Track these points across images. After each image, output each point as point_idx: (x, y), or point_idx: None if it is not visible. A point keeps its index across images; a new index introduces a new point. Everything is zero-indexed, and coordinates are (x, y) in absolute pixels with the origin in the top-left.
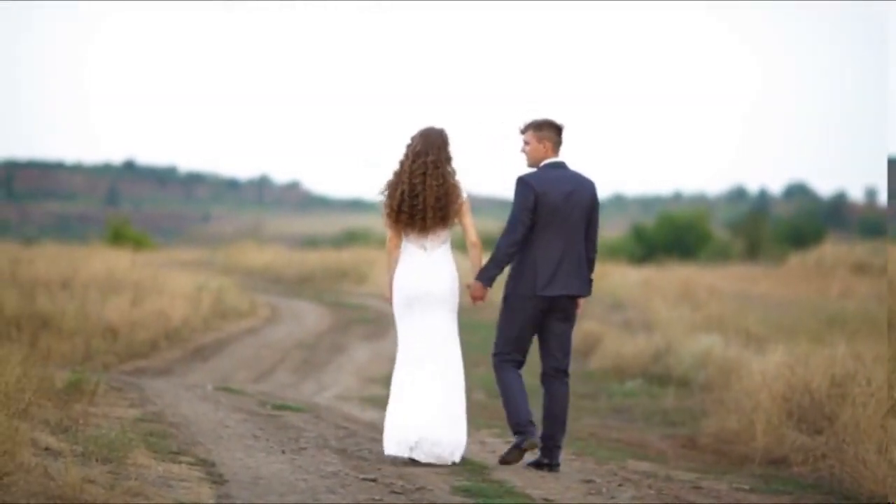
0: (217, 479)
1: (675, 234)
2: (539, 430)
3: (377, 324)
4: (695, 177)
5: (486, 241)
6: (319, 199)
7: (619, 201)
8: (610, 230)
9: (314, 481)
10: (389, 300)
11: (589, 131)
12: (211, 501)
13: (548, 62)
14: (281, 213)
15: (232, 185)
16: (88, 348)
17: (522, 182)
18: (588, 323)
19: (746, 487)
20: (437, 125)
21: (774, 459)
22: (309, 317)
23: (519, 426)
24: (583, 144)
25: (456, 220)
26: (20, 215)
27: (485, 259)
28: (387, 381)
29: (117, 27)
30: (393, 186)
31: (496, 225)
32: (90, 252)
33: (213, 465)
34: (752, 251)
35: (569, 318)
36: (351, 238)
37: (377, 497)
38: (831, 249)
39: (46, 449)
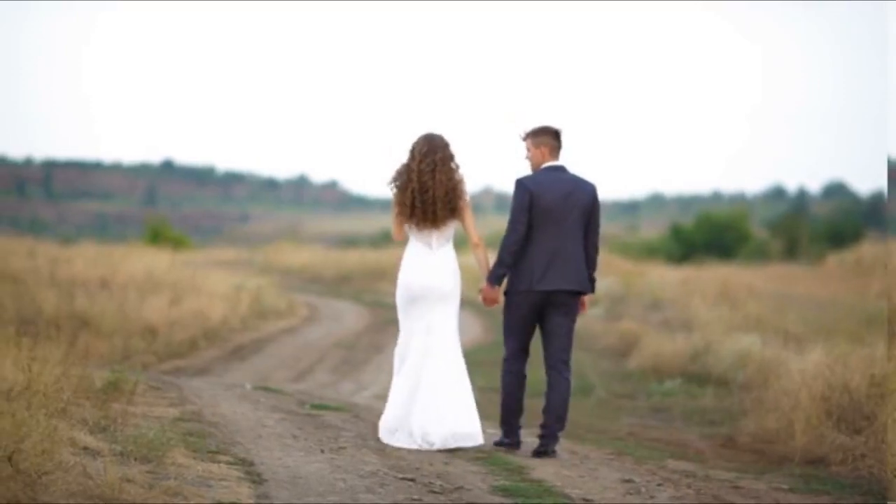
0: (256, 479)
1: (713, 233)
2: (539, 430)
3: None
4: (734, 176)
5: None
6: (358, 198)
7: (657, 201)
8: (649, 230)
9: (353, 481)
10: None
11: (629, 131)
12: (250, 501)
13: (590, 63)
14: (319, 212)
15: (270, 184)
16: (127, 348)
17: (519, 184)
18: (627, 322)
19: (785, 487)
20: (437, 131)
21: (813, 459)
22: (347, 316)
23: (504, 422)
24: (622, 144)
25: (458, 221)
26: (59, 215)
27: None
28: None
29: (157, 27)
30: (404, 185)
31: None
32: (129, 252)
33: (251, 464)
34: (791, 251)
35: (568, 312)
36: (389, 238)
37: (416, 497)
38: (870, 249)
39: (85, 448)
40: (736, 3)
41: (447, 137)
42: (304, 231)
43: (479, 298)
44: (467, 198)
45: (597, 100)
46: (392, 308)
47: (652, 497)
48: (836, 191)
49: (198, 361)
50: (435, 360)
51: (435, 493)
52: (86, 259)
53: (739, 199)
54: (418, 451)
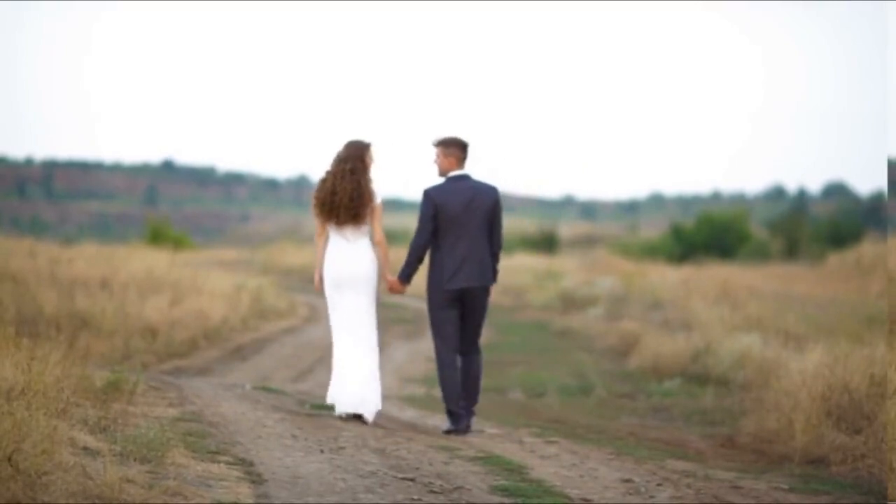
0: (256, 479)
1: (714, 233)
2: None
3: (416, 323)
4: (734, 176)
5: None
6: None
7: (657, 201)
8: (649, 230)
9: (353, 481)
10: (318, 281)
11: (629, 131)
12: (250, 501)
13: (590, 62)
14: None
15: (271, 184)
16: (127, 348)
17: (425, 194)
18: (627, 322)
19: (785, 487)
20: (363, 138)
21: (813, 459)
22: None
23: (450, 412)
24: (622, 144)
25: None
26: (60, 215)
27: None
28: (425, 380)
29: (158, 27)
30: (322, 184)
31: (530, 223)
32: (129, 252)
33: (251, 464)
34: (791, 250)
35: (478, 305)
36: (388, 237)
37: (416, 497)
38: (870, 249)
39: (85, 448)
40: (736, 3)
41: (368, 145)
42: (304, 231)
43: (385, 287)
44: (377, 202)
45: (597, 99)
46: (391, 307)
47: (652, 497)
48: (837, 191)
49: (198, 361)
50: (359, 338)
51: (434, 492)
52: (86, 259)
53: (739, 199)
54: (418, 451)
